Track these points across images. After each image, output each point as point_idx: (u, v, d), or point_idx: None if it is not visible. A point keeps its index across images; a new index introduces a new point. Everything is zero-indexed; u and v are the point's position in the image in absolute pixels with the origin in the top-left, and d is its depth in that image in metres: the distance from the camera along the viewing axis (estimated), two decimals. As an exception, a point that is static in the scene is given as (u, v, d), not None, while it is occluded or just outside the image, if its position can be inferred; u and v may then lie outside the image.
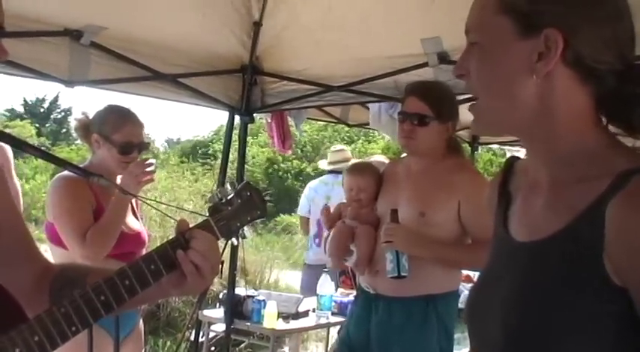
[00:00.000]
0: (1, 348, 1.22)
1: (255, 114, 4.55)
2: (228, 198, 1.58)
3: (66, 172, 2.67)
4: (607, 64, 1.01)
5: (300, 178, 24.01)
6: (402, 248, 2.81)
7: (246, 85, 4.15)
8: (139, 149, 2.87)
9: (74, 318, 1.29)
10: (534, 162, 1.12)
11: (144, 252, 2.91)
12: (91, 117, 2.90)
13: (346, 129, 19.10)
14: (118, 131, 2.81)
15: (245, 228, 1.61)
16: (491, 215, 1.24)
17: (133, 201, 2.93)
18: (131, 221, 2.90)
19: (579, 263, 0.98)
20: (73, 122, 2.96)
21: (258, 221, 1.66)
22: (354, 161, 5.70)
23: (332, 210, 3.31)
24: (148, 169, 2.76)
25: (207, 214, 1.56)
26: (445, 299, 2.95)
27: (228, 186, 1.61)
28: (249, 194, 1.60)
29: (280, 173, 23.84)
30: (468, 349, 1.21)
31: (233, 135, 4.66)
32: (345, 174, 3.27)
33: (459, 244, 2.92)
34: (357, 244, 3.08)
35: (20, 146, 1.59)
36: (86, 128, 2.88)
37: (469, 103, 1.12)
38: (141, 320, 3.01)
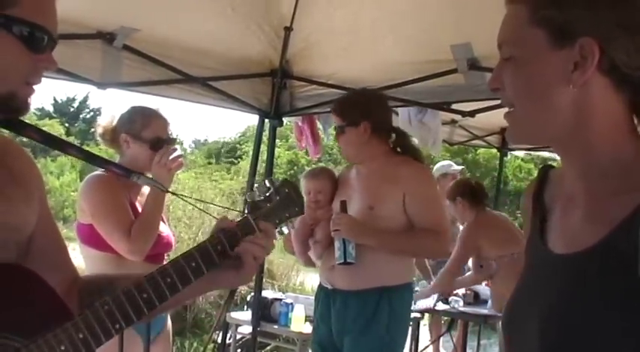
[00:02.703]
0: (48, 346, 1.24)
1: (284, 118, 4.56)
2: (267, 194, 1.60)
3: (98, 171, 2.71)
4: None
5: (326, 181, 23.93)
6: (348, 235, 3.01)
7: (276, 88, 4.16)
8: (168, 144, 2.91)
9: (117, 315, 1.31)
10: (570, 173, 1.11)
11: (170, 254, 2.95)
12: (116, 120, 2.93)
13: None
14: (147, 128, 2.85)
15: (282, 225, 1.62)
16: (525, 224, 1.23)
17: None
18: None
19: (616, 277, 0.97)
20: (97, 128, 2.98)
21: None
22: None
23: None
24: (175, 154, 2.80)
25: (247, 211, 1.58)
26: (399, 291, 3.12)
27: (266, 182, 1.63)
28: (287, 190, 1.62)
29: (304, 175, 23.78)
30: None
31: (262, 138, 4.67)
32: (302, 179, 3.48)
33: (402, 232, 3.08)
34: (316, 232, 3.31)
35: (61, 146, 1.57)
36: (113, 131, 2.91)
37: (500, 110, 1.11)
38: (169, 319, 3.04)
